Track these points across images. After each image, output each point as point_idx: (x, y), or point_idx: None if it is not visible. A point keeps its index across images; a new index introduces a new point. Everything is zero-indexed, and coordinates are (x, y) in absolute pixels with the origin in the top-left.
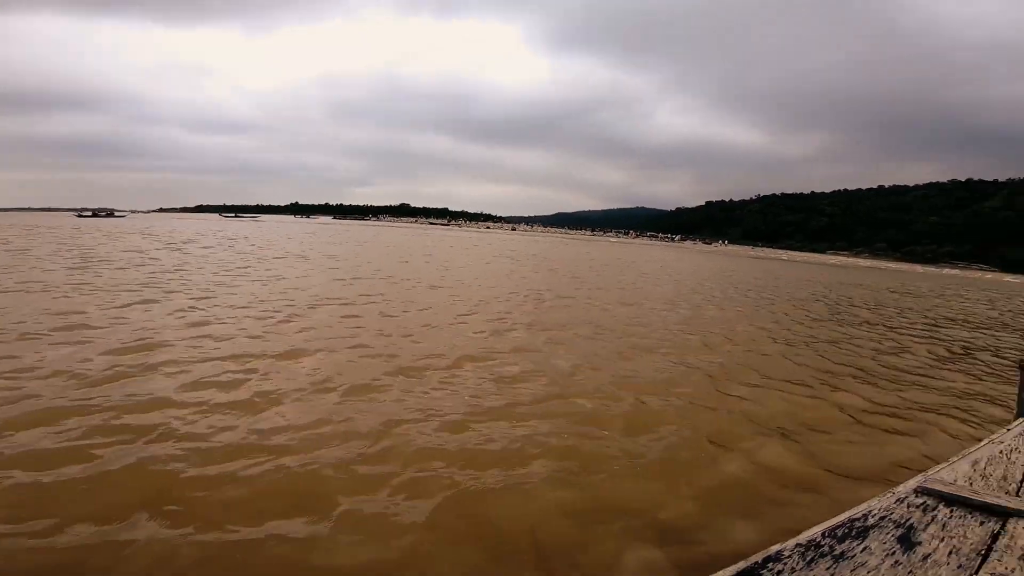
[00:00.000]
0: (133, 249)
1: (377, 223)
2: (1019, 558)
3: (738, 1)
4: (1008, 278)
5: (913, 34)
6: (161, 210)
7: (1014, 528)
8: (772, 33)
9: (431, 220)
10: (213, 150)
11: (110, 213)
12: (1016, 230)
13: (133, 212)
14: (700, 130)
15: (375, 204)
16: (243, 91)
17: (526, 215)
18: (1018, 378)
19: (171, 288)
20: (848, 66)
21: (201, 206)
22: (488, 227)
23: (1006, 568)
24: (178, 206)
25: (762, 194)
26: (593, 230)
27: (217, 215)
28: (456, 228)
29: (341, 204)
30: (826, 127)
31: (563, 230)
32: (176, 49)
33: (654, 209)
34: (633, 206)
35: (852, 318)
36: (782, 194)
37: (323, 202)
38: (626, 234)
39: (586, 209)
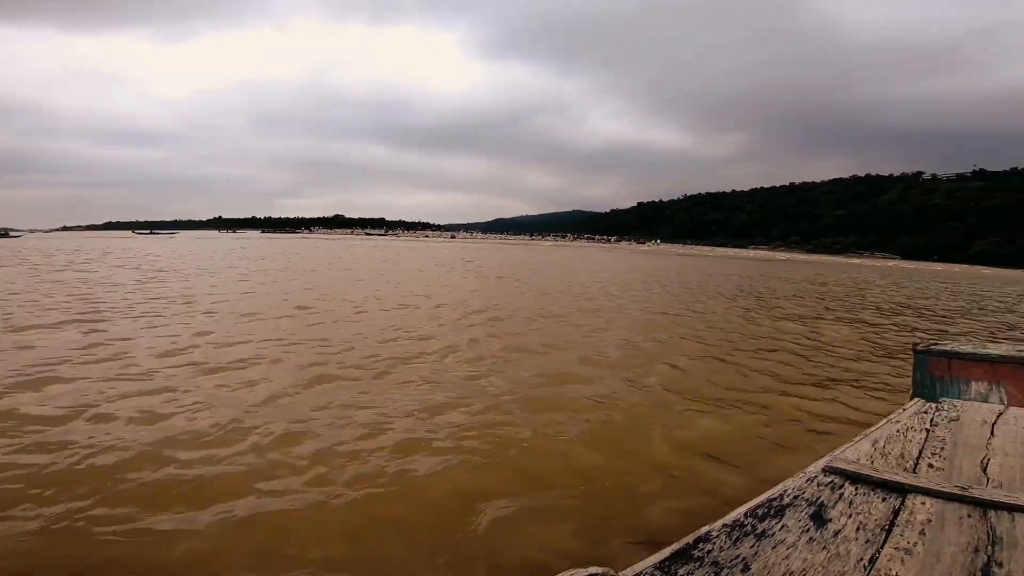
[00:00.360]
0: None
1: (309, 236)
2: (919, 533)
3: (662, 7)
4: (905, 264)
5: (815, 36)
6: (65, 228)
7: (912, 504)
8: (693, 38)
9: (367, 231)
10: (123, 163)
11: (4, 233)
12: (911, 220)
13: (32, 231)
14: (631, 133)
15: (307, 216)
16: (157, 100)
17: (464, 222)
18: (913, 361)
19: None
20: (760, 68)
21: (111, 223)
22: (427, 236)
23: (908, 543)
24: (84, 224)
25: (689, 194)
26: (532, 235)
27: (130, 232)
28: (393, 238)
29: (270, 217)
30: (744, 128)
31: (501, 236)
32: (79, 56)
33: (589, 212)
34: (569, 209)
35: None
36: (707, 193)
37: (250, 215)
38: (563, 237)
39: (523, 214)
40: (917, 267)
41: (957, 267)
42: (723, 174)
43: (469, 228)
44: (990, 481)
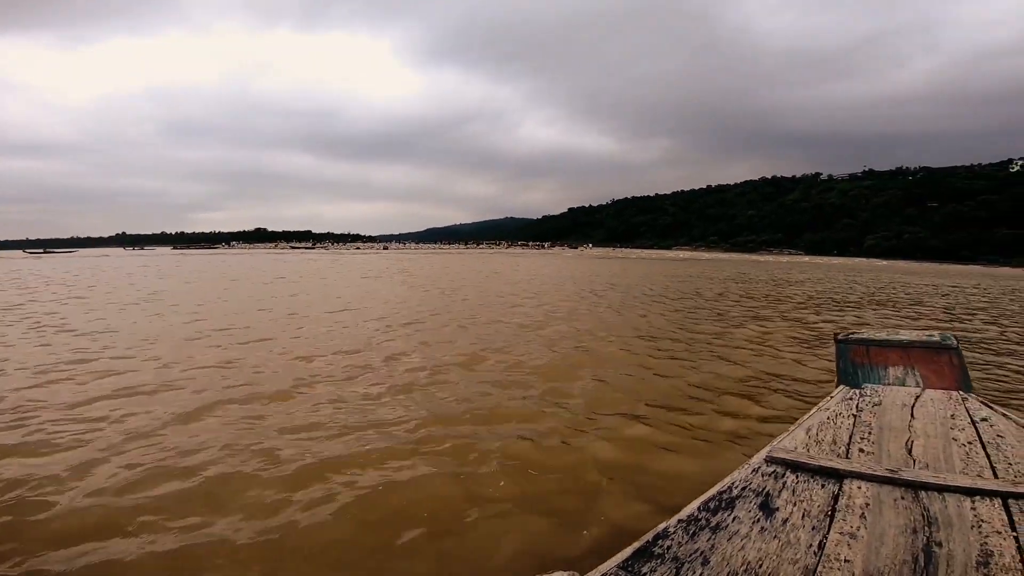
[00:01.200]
0: None
1: (227, 251)
2: (860, 517)
3: (593, 16)
4: (810, 259)
5: (731, 45)
6: None
7: (850, 488)
8: (619, 45)
9: (293, 244)
10: (12, 176)
11: None
12: (812, 218)
13: None
14: (563, 139)
15: (225, 231)
16: (55, 108)
17: (397, 232)
18: (835, 350)
19: None
20: (682, 76)
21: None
22: (358, 247)
23: (852, 528)
24: None
25: (616, 198)
26: (467, 243)
27: (21, 252)
28: (322, 251)
29: (183, 232)
30: (667, 133)
31: (436, 245)
32: None
33: (523, 218)
34: (503, 217)
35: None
36: (633, 197)
37: (159, 231)
38: (498, 244)
39: (458, 223)
40: (823, 261)
41: (853, 260)
42: (649, 178)
43: (402, 238)
44: (916, 463)
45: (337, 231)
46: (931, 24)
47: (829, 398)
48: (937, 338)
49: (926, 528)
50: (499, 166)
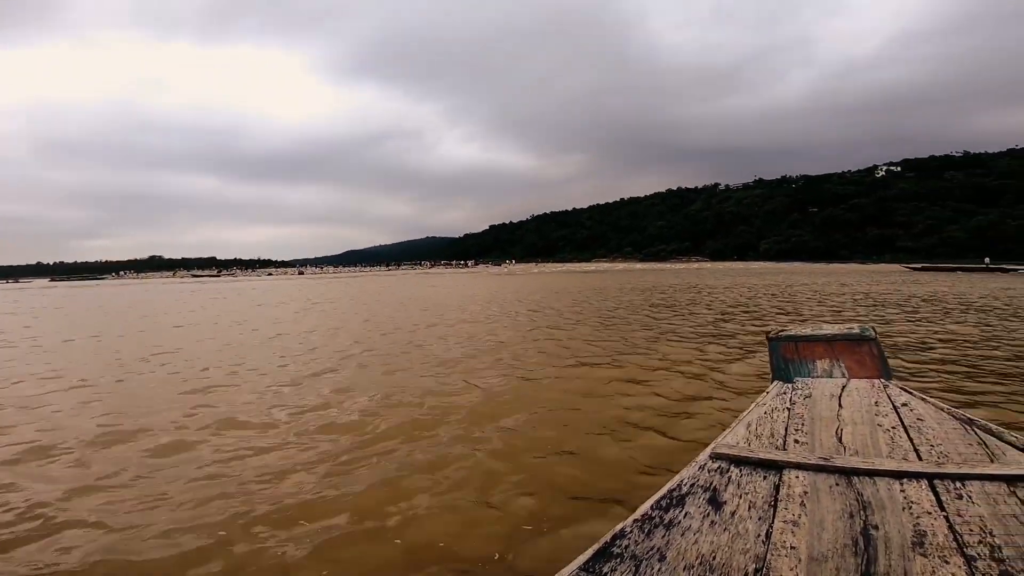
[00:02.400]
0: None
1: (112, 282)
2: (800, 505)
3: (511, 32)
4: (716, 264)
5: (641, 60)
6: None
7: (789, 478)
8: (535, 62)
9: (195, 272)
10: None
11: None
12: (714, 226)
13: None
14: (483, 156)
15: (115, 259)
16: None
17: (312, 256)
18: (768, 348)
19: None
20: (596, 91)
21: None
22: (270, 273)
23: (794, 515)
24: None
25: (536, 213)
26: (388, 264)
27: None
28: (231, 278)
29: (61, 262)
30: (583, 148)
31: (357, 268)
32: None
33: (444, 237)
34: (424, 236)
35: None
36: (552, 212)
37: (33, 261)
38: (420, 265)
39: (377, 244)
40: (727, 266)
41: (754, 264)
42: (566, 192)
43: (319, 262)
44: (847, 449)
45: (246, 257)
46: (809, 39)
47: (765, 394)
48: (857, 330)
49: (862, 512)
50: (419, 185)
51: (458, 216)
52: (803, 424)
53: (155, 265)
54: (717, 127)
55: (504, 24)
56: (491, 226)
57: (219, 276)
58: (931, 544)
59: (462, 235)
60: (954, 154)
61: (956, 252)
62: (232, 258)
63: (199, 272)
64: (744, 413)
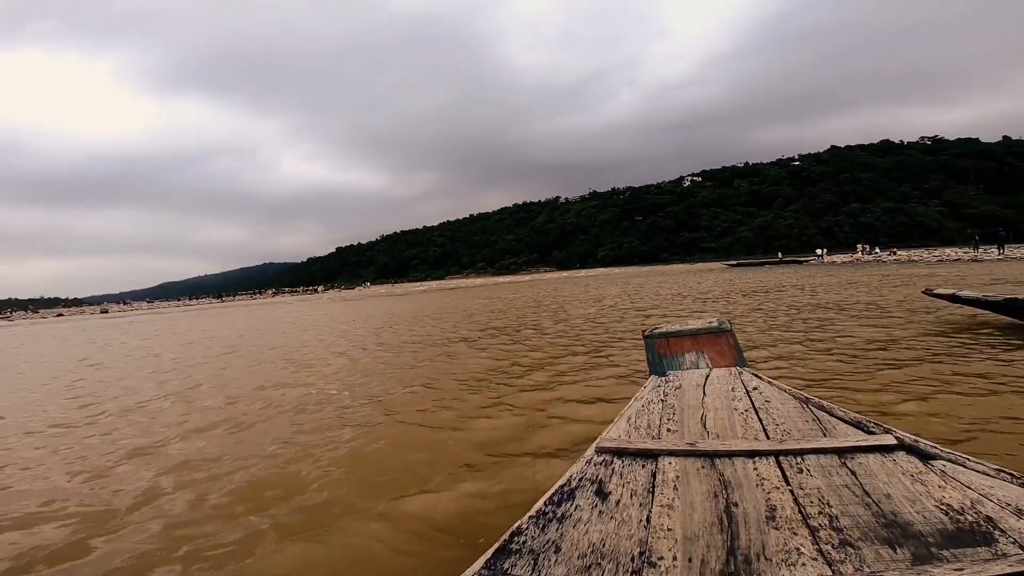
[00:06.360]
0: None
1: None
2: (673, 489)
3: (363, 48)
4: (561, 273)
5: (493, 79)
6: None
7: (663, 465)
8: (390, 79)
9: None
10: None
11: None
12: (558, 237)
13: None
14: (330, 176)
15: None
16: None
17: (118, 292)
18: (644, 345)
19: None
20: (449, 109)
21: None
22: (60, 315)
23: (668, 500)
24: None
25: (385, 233)
26: (220, 296)
27: None
28: (5, 323)
29: None
30: (434, 166)
31: (181, 302)
32: None
33: (284, 263)
34: (261, 263)
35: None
36: (402, 231)
37: None
38: (260, 293)
39: (201, 274)
40: (569, 275)
41: (595, 271)
42: (419, 211)
43: (125, 297)
44: (710, 434)
45: (25, 296)
46: (636, 60)
47: (643, 388)
48: (716, 324)
49: (724, 491)
50: (254, 207)
51: (301, 240)
52: (674, 413)
53: None
54: (557, 143)
55: (358, 39)
56: (337, 248)
57: None
58: (781, 517)
59: (305, 259)
60: (738, 164)
61: (746, 249)
62: (7, 298)
63: None
64: (625, 408)
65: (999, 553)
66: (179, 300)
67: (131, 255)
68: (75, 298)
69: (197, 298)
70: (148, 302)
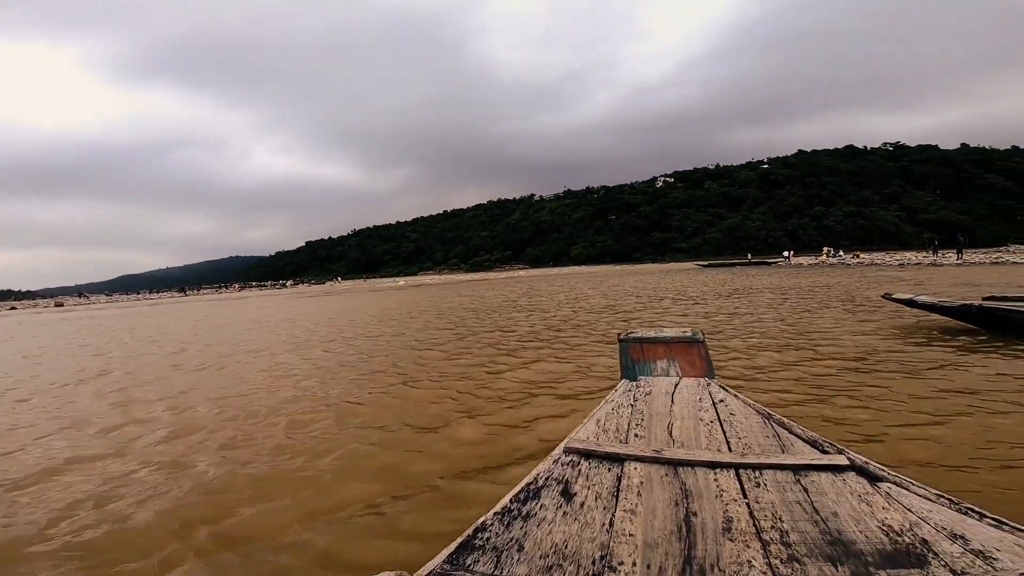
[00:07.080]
0: None
1: None
2: (637, 494)
3: (341, 42)
4: (535, 271)
5: (473, 76)
6: None
7: (629, 470)
8: (368, 73)
9: None
10: None
11: None
12: (532, 234)
13: None
14: (300, 169)
15: None
16: None
17: (73, 284)
18: (619, 348)
19: None
20: (427, 104)
21: None
22: (13, 308)
23: (631, 505)
24: None
25: (357, 228)
26: (184, 290)
27: None
28: None
29: None
30: (410, 161)
31: (142, 295)
32: None
33: (252, 256)
34: (227, 256)
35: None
36: (375, 226)
37: None
38: (226, 288)
39: (163, 267)
40: (542, 273)
41: (568, 269)
42: (393, 206)
43: (81, 290)
44: (675, 442)
45: None
46: (614, 61)
47: (614, 391)
48: (690, 334)
49: (685, 500)
50: (224, 200)
51: (269, 233)
52: (643, 419)
53: None
54: (534, 141)
55: (336, 33)
56: (307, 242)
57: None
58: (737, 529)
59: (274, 253)
60: (710, 166)
61: (715, 250)
62: None
63: None
64: (595, 410)
65: (930, 575)
66: (139, 293)
67: (88, 247)
68: (27, 291)
69: (159, 291)
70: (107, 295)
